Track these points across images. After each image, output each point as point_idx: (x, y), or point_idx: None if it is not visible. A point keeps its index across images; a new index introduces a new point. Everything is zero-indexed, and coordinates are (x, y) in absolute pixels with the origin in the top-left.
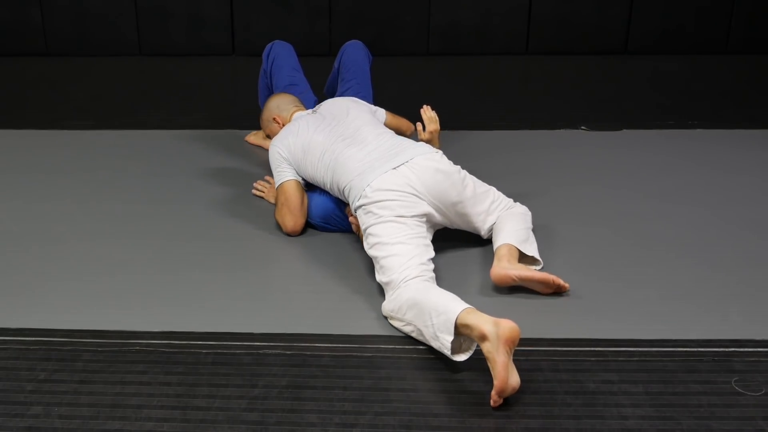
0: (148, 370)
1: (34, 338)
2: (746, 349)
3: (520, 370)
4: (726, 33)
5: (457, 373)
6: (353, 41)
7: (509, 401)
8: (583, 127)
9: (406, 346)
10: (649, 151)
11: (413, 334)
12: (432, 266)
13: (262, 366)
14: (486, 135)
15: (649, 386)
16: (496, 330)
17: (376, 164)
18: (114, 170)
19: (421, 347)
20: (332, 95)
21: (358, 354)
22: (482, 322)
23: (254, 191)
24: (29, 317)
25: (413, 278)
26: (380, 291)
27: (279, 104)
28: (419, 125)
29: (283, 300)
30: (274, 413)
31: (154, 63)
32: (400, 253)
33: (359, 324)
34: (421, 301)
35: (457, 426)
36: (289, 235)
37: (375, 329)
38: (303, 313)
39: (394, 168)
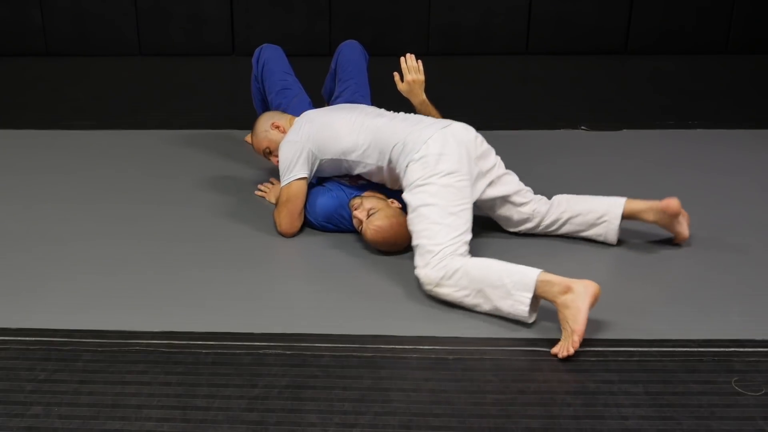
0: (148, 370)
1: (34, 338)
2: (746, 349)
3: (519, 370)
4: (726, 33)
5: (458, 373)
6: (349, 41)
7: (509, 401)
8: (583, 127)
9: (406, 346)
10: (649, 151)
11: (466, 300)
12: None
13: (262, 366)
14: (486, 135)
15: (649, 386)
16: (584, 284)
17: (426, 123)
18: (114, 170)
19: (421, 347)
20: (330, 96)
21: (358, 354)
22: (566, 278)
23: (257, 191)
24: (29, 317)
25: (461, 254)
26: (380, 290)
27: (273, 115)
28: (396, 75)
29: (283, 300)
30: (274, 413)
31: (154, 63)
32: (452, 225)
33: (359, 324)
34: (487, 267)
35: (457, 426)
36: (282, 235)
37: (375, 329)
38: (303, 313)
39: (443, 128)
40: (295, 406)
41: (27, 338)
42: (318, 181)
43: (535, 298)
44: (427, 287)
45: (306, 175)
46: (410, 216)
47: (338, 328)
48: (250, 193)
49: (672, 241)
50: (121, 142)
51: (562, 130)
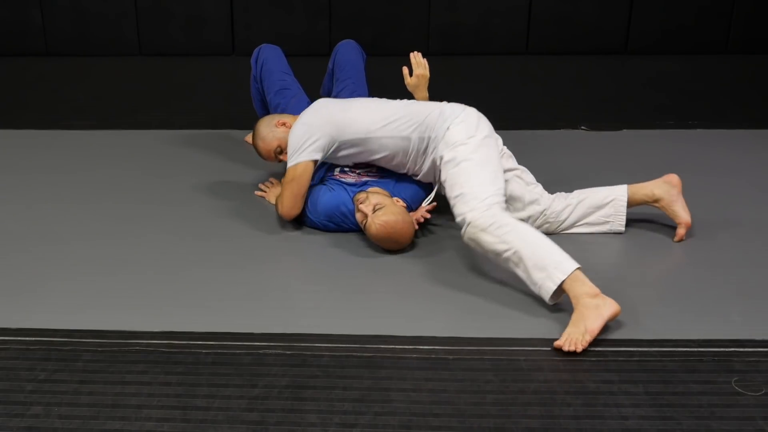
0: (148, 370)
1: (34, 338)
2: (746, 349)
3: (519, 370)
4: (726, 33)
5: (458, 373)
6: (346, 41)
7: (509, 401)
8: (583, 127)
9: (407, 346)
10: (649, 151)
11: (503, 254)
12: None
13: (262, 366)
14: None
15: (649, 386)
16: (611, 301)
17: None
18: (114, 170)
19: (421, 347)
20: (328, 96)
21: (358, 354)
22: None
23: (257, 192)
24: (29, 317)
25: (504, 209)
26: (380, 290)
27: (274, 116)
28: (405, 69)
29: (283, 300)
30: (274, 413)
31: (154, 63)
32: (494, 179)
33: (359, 324)
34: (535, 235)
35: (457, 426)
36: (281, 217)
37: (375, 329)
38: (303, 313)
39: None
40: (295, 406)
41: (27, 338)
42: (319, 180)
43: (560, 289)
44: (472, 230)
45: (316, 159)
46: (452, 171)
47: (338, 328)
48: (250, 193)
49: (673, 239)
50: (121, 142)
51: (562, 130)
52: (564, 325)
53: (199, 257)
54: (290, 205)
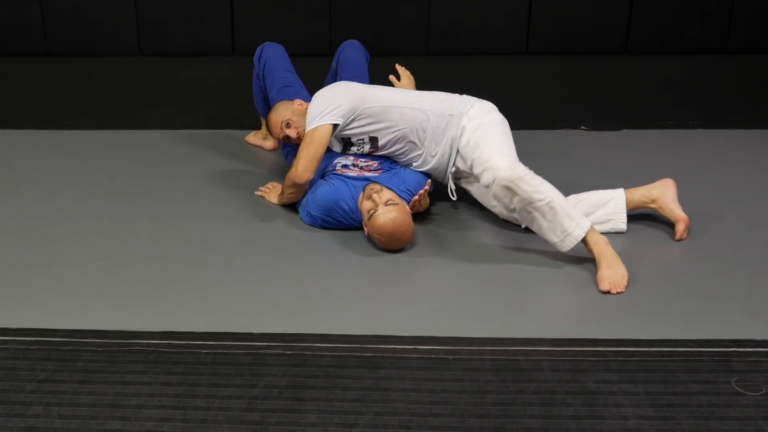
0: (148, 370)
1: (34, 338)
2: (746, 349)
3: (520, 370)
4: (726, 33)
5: (458, 373)
6: (350, 41)
7: (509, 401)
8: (583, 127)
9: (407, 346)
10: (649, 151)
11: (539, 203)
12: None
13: (262, 366)
14: None
15: (649, 386)
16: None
17: None
18: (114, 170)
19: (421, 347)
20: None
21: (358, 354)
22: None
23: (257, 192)
24: (29, 317)
25: None
26: (380, 290)
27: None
28: (392, 77)
29: (283, 300)
30: (274, 413)
31: (154, 63)
32: (513, 150)
33: (359, 324)
34: (557, 190)
35: (457, 426)
36: (294, 182)
37: (375, 329)
38: (303, 313)
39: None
40: (295, 406)
41: (27, 338)
42: (319, 175)
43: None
44: (508, 177)
45: (337, 123)
46: (478, 132)
47: (338, 328)
48: (250, 193)
49: (673, 238)
50: (121, 142)
51: (562, 130)
52: (562, 323)
53: (199, 257)
54: (304, 167)
